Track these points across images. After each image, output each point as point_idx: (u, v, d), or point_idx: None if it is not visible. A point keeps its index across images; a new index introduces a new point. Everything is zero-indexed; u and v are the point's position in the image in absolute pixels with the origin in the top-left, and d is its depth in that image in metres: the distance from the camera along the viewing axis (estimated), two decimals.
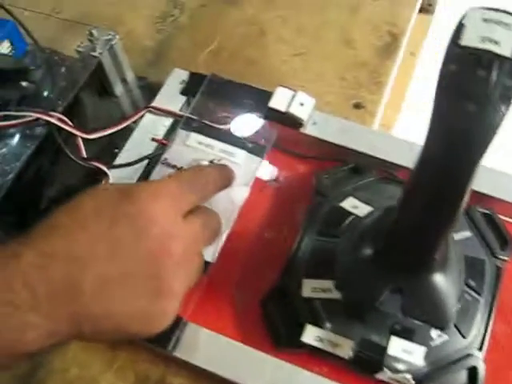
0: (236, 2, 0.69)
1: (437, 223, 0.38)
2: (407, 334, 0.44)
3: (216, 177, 0.44)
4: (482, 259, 0.48)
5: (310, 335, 0.45)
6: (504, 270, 0.49)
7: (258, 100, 0.56)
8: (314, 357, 0.46)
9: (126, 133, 0.57)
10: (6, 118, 0.52)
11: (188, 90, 0.58)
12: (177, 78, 0.59)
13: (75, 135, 0.53)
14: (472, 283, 0.46)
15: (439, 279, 0.40)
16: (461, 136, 0.34)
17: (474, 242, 0.49)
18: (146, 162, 0.54)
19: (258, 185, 0.54)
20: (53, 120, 0.51)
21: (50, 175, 0.56)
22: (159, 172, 0.53)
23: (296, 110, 0.54)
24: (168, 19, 0.69)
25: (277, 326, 0.47)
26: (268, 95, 0.56)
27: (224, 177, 0.46)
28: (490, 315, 0.46)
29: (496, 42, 0.34)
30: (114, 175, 0.53)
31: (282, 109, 0.54)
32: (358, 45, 0.64)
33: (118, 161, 0.54)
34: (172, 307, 0.38)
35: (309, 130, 0.55)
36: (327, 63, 0.63)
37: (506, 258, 0.49)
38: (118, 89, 0.61)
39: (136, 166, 0.54)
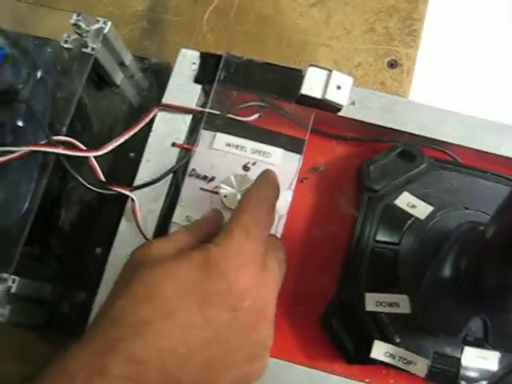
0: None
1: None
2: (479, 342, 0.42)
3: (273, 198, 0.39)
4: None
5: (380, 351, 0.43)
6: None
7: (288, 80, 0.49)
8: (388, 370, 0.45)
9: (139, 132, 0.50)
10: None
11: (202, 77, 0.50)
12: (185, 61, 0.51)
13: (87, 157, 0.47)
14: None
15: None
16: None
17: None
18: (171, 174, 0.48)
19: (298, 175, 0.49)
20: (57, 150, 0.45)
21: (67, 198, 0.50)
22: (189, 186, 0.47)
23: (333, 96, 0.47)
24: None
25: (344, 343, 0.45)
26: (297, 73, 0.48)
27: (276, 189, 0.40)
28: None
29: None
30: (138, 195, 0.47)
31: (318, 95, 0.47)
32: None
33: (139, 177, 0.48)
34: (267, 360, 0.37)
35: (347, 111, 0.49)
36: (351, 12, 0.55)
37: None
38: (118, 77, 0.53)
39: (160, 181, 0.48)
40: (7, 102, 0.46)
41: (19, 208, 0.46)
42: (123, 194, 0.47)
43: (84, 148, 0.47)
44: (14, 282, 0.44)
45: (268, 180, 0.41)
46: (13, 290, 0.44)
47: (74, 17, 0.48)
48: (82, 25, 0.48)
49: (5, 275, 0.43)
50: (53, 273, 0.51)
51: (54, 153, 0.45)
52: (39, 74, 0.48)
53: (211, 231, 0.39)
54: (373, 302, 0.44)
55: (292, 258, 0.48)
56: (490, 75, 0.52)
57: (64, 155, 0.45)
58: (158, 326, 0.32)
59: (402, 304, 0.44)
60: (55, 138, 0.46)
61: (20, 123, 0.47)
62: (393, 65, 0.53)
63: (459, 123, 0.48)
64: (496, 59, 0.52)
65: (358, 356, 0.45)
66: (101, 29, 0.48)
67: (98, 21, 0.49)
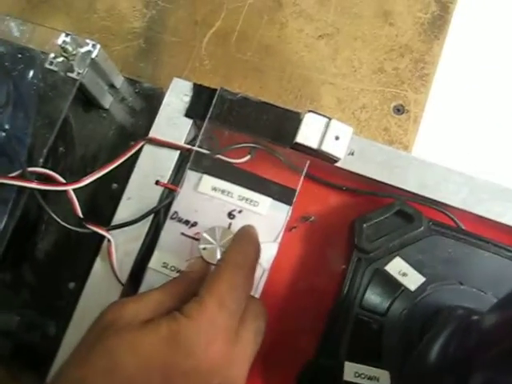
0: None
1: None
2: None
3: (252, 261, 0.36)
4: None
5: None
6: None
7: (284, 123, 0.46)
8: None
9: (124, 163, 0.47)
10: None
11: (193, 111, 0.47)
12: (177, 91, 0.47)
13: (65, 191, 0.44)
14: None
15: None
16: None
17: None
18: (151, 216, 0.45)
19: (287, 224, 0.46)
20: (31, 185, 0.42)
21: (45, 226, 0.47)
22: (170, 230, 0.44)
23: (330, 147, 0.44)
24: None
25: None
26: (294, 116, 0.45)
27: (257, 250, 0.38)
28: None
29: None
30: (116, 236, 0.45)
31: (314, 145, 0.44)
32: (398, 19, 0.52)
33: (119, 215, 0.45)
34: None
35: (345, 162, 0.45)
36: (360, 48, 0.51)
37: None
38: (107, 100, 0.50)
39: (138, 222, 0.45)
40: None
41: None
42: (99, 234, 0.44)
43: (62, 180, 0.44)
44: None
45: (249, 240, 0.38)
46: None
47: (62, 37, 0.45)
48: (69, 48, 0.44)
49: None
50: (23, 301, 0.49)
51: (27, 187, 0.42)
52: (20, 96, 0.45)
53: (193, 290, 0.36)
54: (352, 372, 0.42)
55: (272, 311, 0.46)
56: (502, 135, 0.49)
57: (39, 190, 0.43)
58: None
59: (381, 379, 0.41)
60: (31, 169, 0.43)
61: None
62: (399, 110, 0.50)
63: (463, 184, 0.45)
64: (509, 120, 0.49)
65: None
66: (89, 52, 0.45)
67: (87, 43, 0.45)
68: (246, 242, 0.38)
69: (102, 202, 0.49)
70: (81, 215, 0.44)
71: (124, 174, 0.47)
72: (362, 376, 0.41)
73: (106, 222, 0.45)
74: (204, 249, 0.41)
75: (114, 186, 0.49)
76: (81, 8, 0.51)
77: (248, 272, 0.36)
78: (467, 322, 0.36)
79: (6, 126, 0.43)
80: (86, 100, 0.50)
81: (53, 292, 0.48)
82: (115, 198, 0.47)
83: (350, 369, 0.42)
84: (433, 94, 0.49)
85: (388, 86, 0.50)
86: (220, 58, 0.51)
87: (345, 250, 0.47)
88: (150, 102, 0.51)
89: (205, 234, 0.42)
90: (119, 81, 0.50)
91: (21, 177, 0.42)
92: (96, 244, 0.45)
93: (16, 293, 0.49)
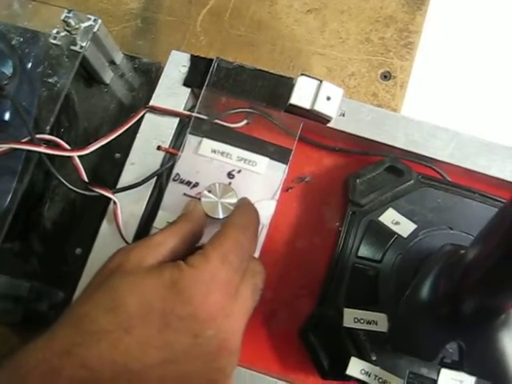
0: None
1: None
2: (456, 365, 0.41)
3: (255, 225, 0.38)
4: None
5: (356, 368, 0.43)
6: None
7: (278, 88, 0.48)
8: None
9: (126, 133, 0.49)
10: None
11: (191, 80, 0.50)
12: (176, 63, 0.50)
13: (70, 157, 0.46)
14: None
15: (504, 338, 0.37)
16: None
17: None
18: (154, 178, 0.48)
19: (283, 185, 0.48)
20: (39, 149, 0.44)
21: (51, 196, 0.49)
22: (173, 191, 0.47)
23: (322, 107, 0.46)
24: None
25: (320, 358, 0.44)
26: (288, 81, 0.48)
27: (258, 218, 0.40)
28: None
29: None
30: (121, 198, 0.47)
31: (307, 106, 0.46)
32: None
33: (123, 179, 0.47)
34: None
35: (337, 123, 0.48)
36: (347, 20, 0.54)
37: None
38: (108, 76, 0.53)
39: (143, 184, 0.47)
40: None
41: (0, 204, 0.45)
42: (105, 197, 0.46)
43: (68, 147, 0.47)
44: None
45: (251, 206, 0.40)
46: None
47: (65, 13, 0.47)
48: (72, 22, 0.47)
49: None
50: (32, 270, 0.51)
51: (36, 151, 0.44)
52: (26, 70, 0.47)
53: (195, 229, 0.39)
54: (351, 318, 0.44)
55: (272, 269, 0.48)
56: (485, 93, 0.51)
57: (47, 154, 0.45)
58: (115, 339, 0.31)
59: (380, 322, 0.43)
60: (38, 136, 0.45)
61: (5, 118, 0.46)
62: (386, 77, 0.52)
63: (450, 140, 0.47)
64: (493, 78, 0.52)
65: (333, 372, 0.44)
66: (91, 26, 0.48)
67: (88, 18, 0.48)
68: (249, 207, 0.40)
69: (106, 171, 0.51)
70: (86, 180, 0.47)
71: (126, 143, 0.50)
72: (362, 321, 0.43)
73: (111, 188, 0.47)
74: (206, 203, 0.44)
75: (117, 155, 0.51)
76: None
77: (252, 233, 0.38)
78: (455, 256, 0.38)
79: (14, 96, 0.45)
80: (87, 76, 0.52)
81: (60, 259, 0.50)
82: (118, 167, 0.49)
83: (350, 315, 0.44)
84: (417, 60, 0.52)
85: (375, 54, 0.53)
86: (214, 34, 0.54)
87: (340, 208, 0.49)
88: (149, 76, 0.53)
89: (205, 191, 0.44)
90: (119, 57, 0.53)
91: (30, 142, 0.44)
92: (102, 207, 0.47)
93: (25, 261, 0.50)
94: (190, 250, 0.38)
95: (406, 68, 0.52)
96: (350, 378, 0.43)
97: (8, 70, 0.46)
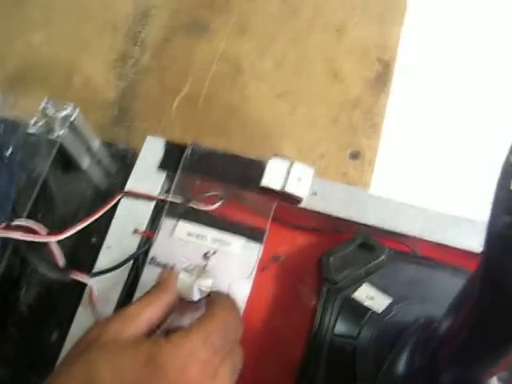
0: (203, 33, 0.61)
1: (493, 354, 0.34)
2: None
3: (238, 326, 0.38)
4: None
5: None
6: None
7: (249, 171, 0.50)
8: None
9: (102, 217, 0.50)
10: None
11: (166, 164, 0.51)
12: (151, 148, 0.52)
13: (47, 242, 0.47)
14: None
15: None
16: None
17: None
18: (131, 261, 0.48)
19: (259, 265, 0.49)
20: (15, 236, 0.45)
21: (27, 280, 0.49)
22: (149, 274, 0.47)
23: (293, 188, 0.48)
24: (129, 61, 0.60)
25: None
26: (259, 164, 0.49)
27: (240, 323, 0.40)
28: None
29: None
30: (97, 281, 0.47)
31: (277, 187, 0.48)
32: (346, 77, 0.58)
33: (99, 263, 0.48)
34: None
35: (308, 202, 0.49)
36: (315, 103, 0.57)
37: None
38: (85, 162, 0.54)
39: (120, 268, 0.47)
40: None
41: None
42: (81, 283, 0.46)
43: (44, 232, 0.47)
44: None
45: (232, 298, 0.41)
46: None
47: (44, 102, 0.49)
48: (50, 111, 0.49)
49: None
50: (7, 356, 0.50)
51: (12, 238, 0.44)
52: (4, 158, 0.49)
53: (169, 299, 0.39)
54: None
55: (250, 348, 0.48)
56: (448, 169, 0.54)
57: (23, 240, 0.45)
58: None
59: None
60: (16, 221, 0.46)
61: None
62: (355, 156, 0.55)
63: (418, 216, 0.49)
64: (454, 154, 0.54)
65: None
66: (68, 115, 0.49)
67: (66, 107, 0.50)
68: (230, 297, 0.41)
69: (83, 255, 0.51)
70: (62, 265, 0.47)
71: (102, 228, 0.50)
72: None
73: (87, 272, 0.47)
74: (181, 285, 0.44)
75: (94, 239, 0.52)
76: (58, 83, 0.56)
77: (239, 316, 0.38)
78: (428, 329, 0.39)
79: None
80: (64, 162, 0.53)
81: (36, 344, 0.49)
82: (95, 251, 0.50)
83: None
84: (383, 139, 0.55)
85: (343, 135, 0.55)
86: (189, 120, 0.56)
87: (315, 286, 0.49)
88: (125, 162, 0.55)
89: (180, 274, 0.45)
90: (96, 144, 0.54)
91: (7, 228, 0.45)
92: (78, 292, 0.47)
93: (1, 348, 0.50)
94: (165, 320, 0.38)
95: (373, 147, 0.55)
96: None
97: None
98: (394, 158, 0.54)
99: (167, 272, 0.42)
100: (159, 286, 0.40)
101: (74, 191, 0.54)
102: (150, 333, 0.36)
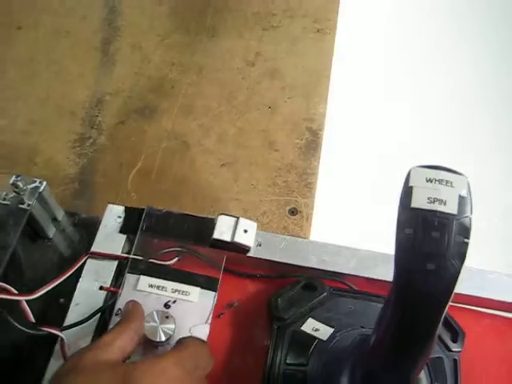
0: (153, 115, 0.69)
1: (411, 363, 0.40)
2: None
3: (208, 360, 0.44)
4: (440, 357, 0.51)
5: None
6: (459, 361, 0.52)
7: (200, 228, 0.56)
8: None
9: (69, 279, 0.55)
10: None
11: (127, 228, 0.57)
12: (112, 214, 0.58)
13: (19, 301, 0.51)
14: None
15: None
16: (423, 294, 0.37)
17: None
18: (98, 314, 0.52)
19: (215, 312, 0.54)
20: None
21: None
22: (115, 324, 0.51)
23: (241, 238, 0.54)
24: (87, 142, 0.67)
25: None
26: (209, 222, 0.56)
27: (210, 357, 0.45)
28: None
29: (442, 201, 0.37)
30: (68, 335, 0.51)
31: (227, 239, 0.54)
32: (281, 146, 0.66)
33: (69, 318, 0.52)
34: None
35: (255, 252, 0.56)
36: (255, 170, 0.65)
37: (459, 350, 0.53)
38: (51, 231, 0.59)
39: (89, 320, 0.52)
40: None
41: None
42: (53, 335, 0.50)
43: (16, 292, 0.51)
44: None
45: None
46: None
47: (13, 178, 0.55)
48: (20, 184, 0.54)
49: None
50: None
51: None
52: None
53: (137, 325, 0.44)
54: None
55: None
56: (375, 213, 0.62)
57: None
58: None
59: None
60: None
61: None
62: (293, 212, 0.62)
63: (352, 256, 0.56)
64: (380, 200, 0.63)
65: None
66: (37, 187, 0.55)
67: (34, 181, 0.55)
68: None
69: (51, 316, 0.55)
70: (33, 320, 0.51)
71: (69, 289, 0.55)
72: None
73: (57, 328, 0.51)
74: (148, 328, 0.49)
75: (61, 300, 0.56)
76: (21, 163, 0.61)
77: (209, 350, 0.43)
78: (365, 344, 0.45)
79: None
80: (32, 232, 0.58)
81: None
82: (63, 311, 0.54)
83: None
84: (318, 196, 0.63)
85: (281, 195, 0.63)
86: (143, 191, 0.62)
87: (266, 327, 0.55)
88: (88, 229, 0.60)
89: (147, 318, 0.50)
90: (60, 214, 0.60)
91: None
92: (47, 350, 0.51)
93: None
94: (136, 347, 0.42)
95: (309, 204, 0.63)
96: None
97: None
98: (328, 210, 0.62)
99: (131, 303, 0.47)
100: (127, 316, 0.45)
101: (41, 258, 0.59)
102: (124, 360, 0.41)
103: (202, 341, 0.44)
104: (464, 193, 0.37)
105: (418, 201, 0.37)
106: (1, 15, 0.74)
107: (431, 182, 0.37)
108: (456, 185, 0.37)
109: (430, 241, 0.36)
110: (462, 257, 0.36)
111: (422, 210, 0.36)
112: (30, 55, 0.72)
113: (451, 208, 0.36)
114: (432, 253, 0.36)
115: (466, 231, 0.36)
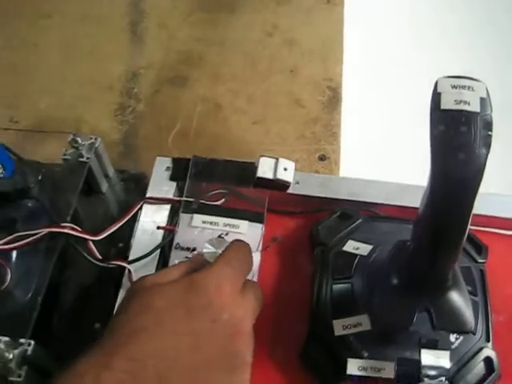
0: (185, 83, 0.75)
1: (448, 254, 0.46)
2: (433, 344, 0.51)
3: (248, 253, 0.49)
4: (468, 266, 0.57)
5: (354, 367, 0.52)
6: (485, 272, 0.58)
7: (243, 171, 0.62)
8: None
9: (124, 226, 0.60)
10: (17, 237, 0.54)
11: (176, 176, 0.63)
12: (161, 165, 0.63)
13: (86, 239, 0.56)
14: (469, 288, 0.55)
15: (456, 295, 0.48)
16: (457, 181, 0.42)
17: None
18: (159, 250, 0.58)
19: (263, 245, 0.60)
20: (66, 230, 0.54)
21: (67, 281, 0.58)
22: (176, 256, 0.57)
23: (282, 176, 0.60)
24: (126, 110, 0.73)
25: (322, 370, 0.53)
26: (250, 165, 0.62)
27: (249, 250, 0.51)
28: (487, 311, 0.55)
29: (467, 102, 0.43)
30: (134, 269, 0.56)
31: (270, 176, 0.60)
32: (305, 103, 0.73)
33: (133, 254, 0.57)
34: (248, 375, 0.43)
35: (294, 189, 0.62)
36: (284, 125, 0.71)
37: (484, 261, 0.59)
38: (104, 186, 0.65)
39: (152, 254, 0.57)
40: (19, 199, 0.56)
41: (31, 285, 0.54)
42: (121, 267, 0.56)
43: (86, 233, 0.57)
44: (29, 345, 0.49)
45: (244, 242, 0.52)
46: (28, 353, 0.49)
47: (71, 136, 0.61)
48: (79, 140, 0.60)
49: (22, 340, 0.49)
50: (54, 353, 0.56)
51: (65, 233, 0.54)
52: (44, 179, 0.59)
53: (197, 267, 0.49)
54: (340, 326, 0.54)
55: (266, 309, 0.57)
56: (398, 151, 0.69)
57: (72, 237, 0.55)
58: (151, 332, 0.39)
59: (363, 322, 0.53)
60: (63, 224, 0.55)
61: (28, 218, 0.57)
62: (322, 158, 0.68)
63: (381, 188, 0.62)
64: (401, 140, 0.70)
65: (336, 378, 0.53)
66: (93, 143, 0.61)
67: (90, 138, 0.61)
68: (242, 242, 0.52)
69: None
70: (100, 257, 0.56)
71: (126, 235, 0.60)
72: (349, 326, 0.53)
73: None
74: (207, 254, 0.54)
75: (120, 244, 0.62)
76: (70, 132, 0.67)
77: (249, 253, 0.49)
78: (404, 245, 0.50)
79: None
80: (87, 187, 0.64)
81: (79, 335, 0.57)
82: (123, 254, 0.59)
83: (338, 325, 0.54)
84: (343, 143, 0.69)
85: (310, 144, 0.69)
86: (183, 149, 0.68)
87: (309, 256, 0.61)
88: (137, 184, 0.66)
89: (206, 244, 0.55)
90: (111, 171, 0.66)
91: (60, 226, 0.54)
92: (112, 287, 0.56)
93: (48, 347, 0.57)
94: None
95: (336, 150, 0.69)
96: (351, 377, 0.52)
97: (32, 179, 0.57)
98: (353, 154, 0.69)
99: (197, 254, 0.52)
100: (190, 259, 0.51)
101: (93, 212, 0.64)
102: None
103: (242, 241, 0.50)
104: (484, 95, 0.43)
105: (447, 103, 0.43)
106: (28, 6, 0.81)
107: (456, 88, 0.43)
108: (477, 89, 0.43)
109: (460, 134, 0.42)
110: (488, 146, 0.41)
111: (450, 110, 0.42)
112: (62, 40, 0.79)
113: (475, 107, 0.42)
114: (462, 144, 0.42)
115: (488, 125, 0.42)
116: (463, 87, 0.43)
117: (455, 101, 0.43)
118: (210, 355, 0.41)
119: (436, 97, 0.43)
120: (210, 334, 0.41)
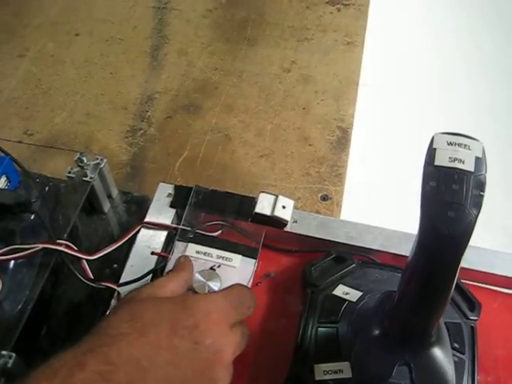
0: (198, 112, 0.76)
1: (432, 307, 0.46)
2: None
3: (252, 301, 0.49)
4: (459, 322, 0.57)
5: None
6: (476, 329, 0.57)
7: (243, 205, 0.63)
8: None
9: (121, 247, 0.61)
10: (13, 249, 0.55)
11: (176, 203, 0.64)
12: (163, 191, 0.64)
13: (80, 258, 0.57)
14: (456, 345, 0.54)
15: (438, 352, 0.48)
16: (445, 237, 0.42)
17: (449, 308, 0.57)
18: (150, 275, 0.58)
19: (254, 281, 0.60)
20: (61, 248, 0.55)
21: (57, 297, 0.59)
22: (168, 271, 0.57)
23: (280, 213, 0.61)
24: (137, 132, 0.75)
25: None
26: (250, 200, 0.62)
27: (254, 300, 0.51)
28: (474, 370, 0.54)
29: (461, 161, 0.43)
30: (123, 292, 0.57)
31: (268, 213, 0.61)
32: (314, 142, 0.73)
33: (124, 277, 0.58)
34: None
35: (292, 228, 0.62)
36: (290, 161, 0.71)
37: (476, 318, 0.58)
38: (106, 206, 0.66)
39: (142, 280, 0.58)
40: (20, 212, 0.57)
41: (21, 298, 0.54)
42: (111, 289, 0.56)
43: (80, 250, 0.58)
44: (10, 357, 0.50)
45: (252, 293, 0.51)
46: (9, 365, 0.49)
47: (78, 155, 0.62)
48: (85, 159, 0.61)
49: (4, 352, 0.50)
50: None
51: (59, 250, 0.55)
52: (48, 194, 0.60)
53: (187, 275, 0.50)
54: (321, 371, 0.53)
55: (249, 344, 0.57)
56: (401, 196, 0.68)
57: (66, 254, 0.56)
58: (132, 339, 0.40)
59: (344, 369, 0.52)
60: (59, 241, 0.56)
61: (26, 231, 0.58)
62: (325, 198, 0.68)
63: (378, 234, 0.62)
64: (401, 187, 0.69)
65: None
66: (98, 164, 0.62)
67: (96, 158, 0.63)
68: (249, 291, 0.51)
69: (106, 278, 0.61)
70: (92, 277, 0.57)
71: (121, 256, 0.61)
72: (330, 372, 0.53)
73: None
74: (196, 285, 0.55)
75: (115, 265, 0.62)
76: (79, 149, 0.68)
77: (252, 298, 0.49)
78: (390, 298, 0.50)
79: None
80: (89, 206, 0.65)
81: None
82: (116, 276, 0.60)
83: (319, 369, 0.53)
84: (347, 185, 0.69)
85: (314, 183, 0.69)
86: (189, 176, 0.69)
87: (300, 295, 0.60)
88: (139, 207, 0.67)
89: (197, 274, 0.56)
90: (115, 192, 0.67)
91: (55, 243, 0.55)
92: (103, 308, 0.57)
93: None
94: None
95: (339, 191, 0.69)
96: None
97: (35, 194, 0.59)
98: (356, 197, 0.69)
99: (182, 257, 0.53)
100: (178, 267, 0.51)
101: (93, 231, 0.65)
102: None
103: (247, 286, 0.50)
104: (480, 155, 0.43)
105: (441, 160, 0.43)
106: (61, 23, 0.83)
107: (452, 145, 0.43)
108: (473, 148, 0.43)
109: (451, 192, 0.42)
110: (478, 207, 0.41)
111: (444, 167, 0.42)
112: (86, 58, 0.81)
113: (469, 166, 0.42)
114: (452, 202, 0.42)
115: (481, 185, 0.42)
116: (459, 145, 0.43)
117: (450, 158, 0.43)
118: (185, 374, 0.41)
119: (431, 152, 0.43)
120: (191, 355, 0.41)
